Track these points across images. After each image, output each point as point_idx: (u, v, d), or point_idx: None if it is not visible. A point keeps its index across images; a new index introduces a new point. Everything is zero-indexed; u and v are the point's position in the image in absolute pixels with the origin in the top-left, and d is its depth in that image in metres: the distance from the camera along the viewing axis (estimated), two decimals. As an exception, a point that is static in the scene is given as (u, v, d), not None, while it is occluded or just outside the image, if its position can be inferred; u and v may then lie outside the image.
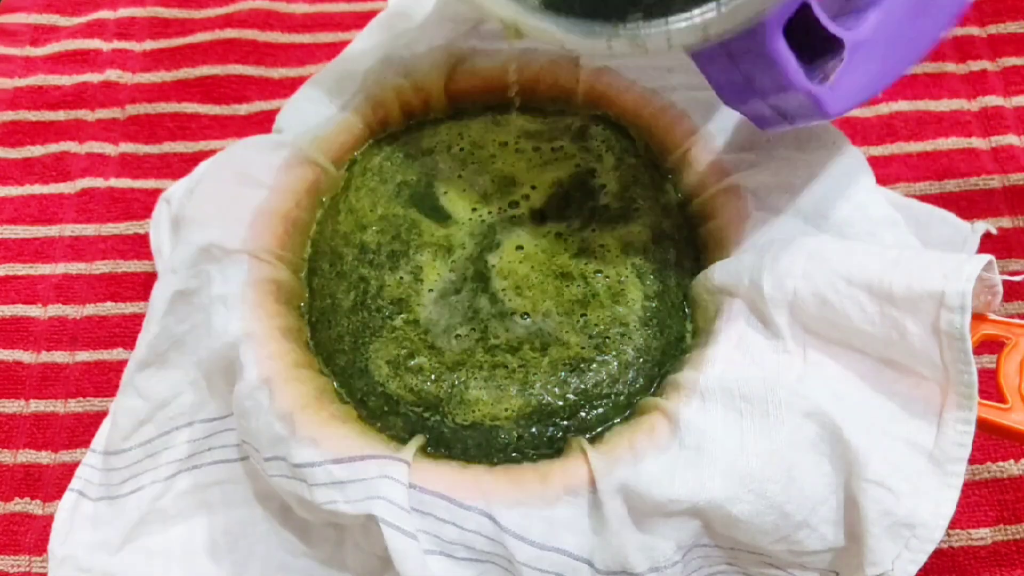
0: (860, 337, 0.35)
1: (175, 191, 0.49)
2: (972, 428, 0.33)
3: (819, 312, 0.35)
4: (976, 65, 0.56)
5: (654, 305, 0.41)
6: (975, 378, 0.33)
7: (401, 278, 0.43)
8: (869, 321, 0.34)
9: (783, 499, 0.34)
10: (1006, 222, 0.50)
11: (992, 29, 0.58)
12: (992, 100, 0.55)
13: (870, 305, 0.34)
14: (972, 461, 0.43)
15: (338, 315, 0.42)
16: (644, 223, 0.43)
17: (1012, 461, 0.44)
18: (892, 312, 0.34)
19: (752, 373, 0.36)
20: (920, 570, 0.35)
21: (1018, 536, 0.42)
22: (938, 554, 0.41)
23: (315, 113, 0.48)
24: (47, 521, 0.43)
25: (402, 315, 0.42)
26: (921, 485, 0.34)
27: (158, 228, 0.49)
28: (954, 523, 0.42)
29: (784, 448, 0.34)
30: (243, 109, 0.58)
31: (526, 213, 0.44)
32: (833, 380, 0.36)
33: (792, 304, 0.36)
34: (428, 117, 0.49)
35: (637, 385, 0.40)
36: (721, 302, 0.39)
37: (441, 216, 0.44)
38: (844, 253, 0.36)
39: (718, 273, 0.39)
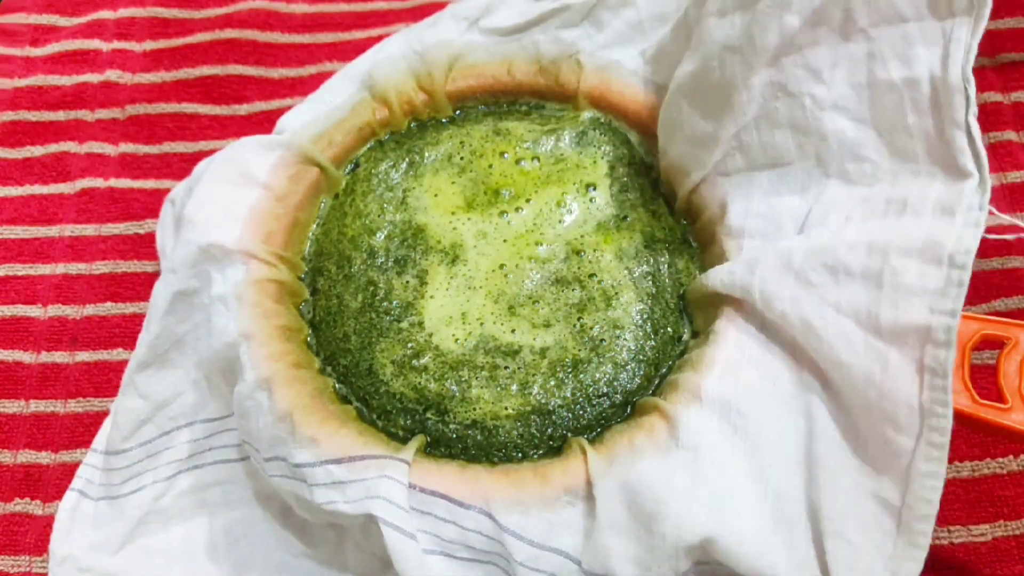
0: (841, 370, 0.35)
1: (179, 191, 0.48)
2: (941, 484, 0.33)
3: (805, 339, 0.35)
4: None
5: (648, 308, 0.42)
6: (950, 423, 0.32)
7: (407, 282, 0.43)
8: (854, 352, 0.34)
9: (765, 519, 0.34)
10: (1006, 219, 0.50)
11: (990, 25, 0.57)
12: (991, 96, 0.54)
13: (856, 334, 0.34)
14: (972, 457, 0.43)
15: (345, 316, 0.42)
16: (638, 228, 0.43)
17: (1011, 457, 0.43)
18: (877, 344, 0.34)
19: (749, 382, 0.36)
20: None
21: (1018, 532, 0.42)
22: (938, 550, 0.41)
23: (315, 112, 0.48)
24: (47, 521, 0.43)
25: (409, 318, 0.42)
26: (885, 547, 0.33)
27: (163, 229, 0.49)
28: (954, 519, 0.42)
29: (769, 470, 0.34)
30: (243, 109, 0.58)
31: (526, 221, 0.44)
32: (814, 408, 0.36)
33: (780, 325, 0.36)
34: (430, 118, 0.49)
35: (634, 385, 0.40)
36: (719, 304, 0.39)
37: (444, 223, 0.44)
38: (831, 279, 0.36)
39: (712, 280, 0.39)
